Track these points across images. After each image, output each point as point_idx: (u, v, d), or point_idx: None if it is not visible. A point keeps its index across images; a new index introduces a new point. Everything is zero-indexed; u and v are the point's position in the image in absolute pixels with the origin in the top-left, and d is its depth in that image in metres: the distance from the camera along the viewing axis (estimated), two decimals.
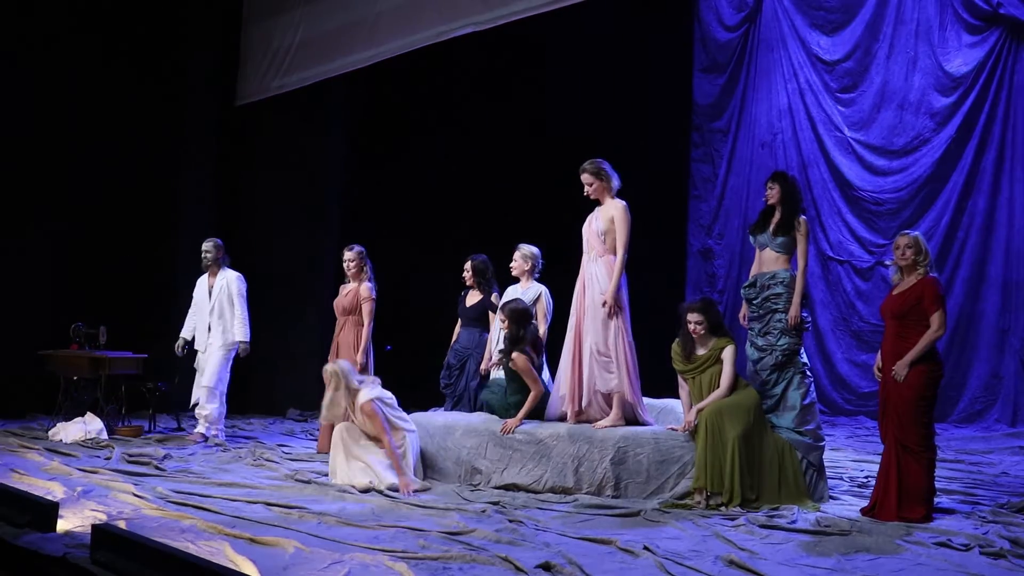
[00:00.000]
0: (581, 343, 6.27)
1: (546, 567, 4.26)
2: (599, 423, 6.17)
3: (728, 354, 5.98)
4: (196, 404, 8.47)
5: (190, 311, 8.68)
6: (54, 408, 8.65)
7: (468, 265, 7.64)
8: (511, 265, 7.41)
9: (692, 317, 6.04)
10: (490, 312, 7.49)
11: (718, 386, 5.97)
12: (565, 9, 8.04)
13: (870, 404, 10.53)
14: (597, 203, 6.42)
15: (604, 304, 6.13)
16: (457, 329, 7.67)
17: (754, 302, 6.26)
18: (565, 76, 11.66)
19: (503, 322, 6.65)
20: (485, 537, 4.84)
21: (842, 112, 11.29)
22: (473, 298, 7.63)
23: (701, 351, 6.06)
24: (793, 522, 5.29)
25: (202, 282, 8.67)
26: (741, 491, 5.68)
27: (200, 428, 8.35)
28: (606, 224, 6.28)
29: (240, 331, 8.40)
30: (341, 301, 8.03)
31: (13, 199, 9.73)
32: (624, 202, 6.31)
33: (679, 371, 6.18)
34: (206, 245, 8.58)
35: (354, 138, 11.61)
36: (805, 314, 6.17)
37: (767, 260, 6.27)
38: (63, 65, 9.99)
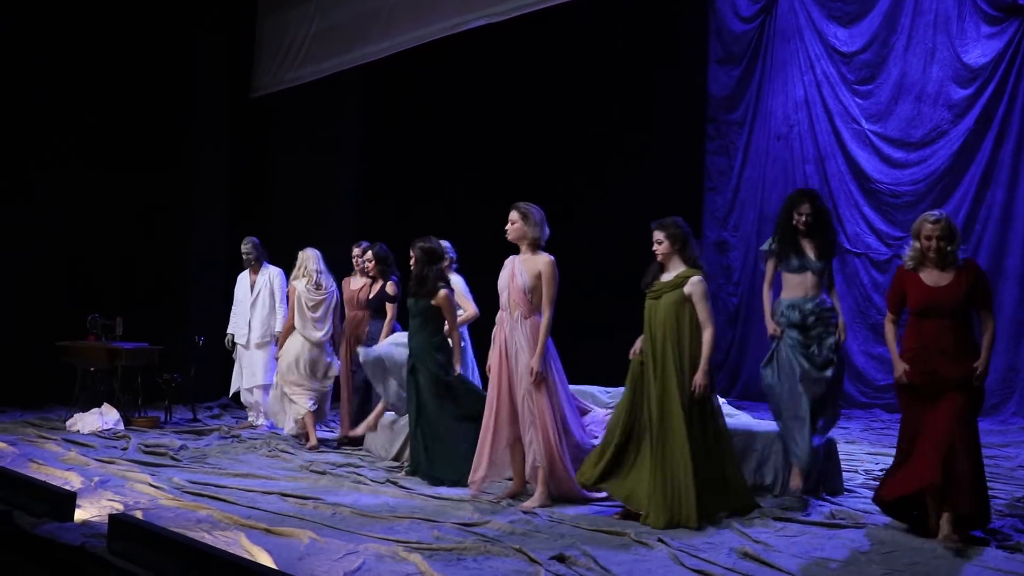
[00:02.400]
0: (511, 405, 5.65)
1: (560, 558, 4.27)
2: (525, 504, 5.42)
3: (695, 288, 5.15)
4: (236, 394, 8.90)
5: (233, 308, 8.88)
6: (71, 399, 8.71)
7: (369, 254, 7.77)
8: None
9: (654, 236, 5.26)
10: (387, 303, 7.67)
11: (672, 323, 5.13)
12: (580, 0, 8.01)
13: (886, 397, 10.47)
14: (518, 249, 5.73)
15: (532, 372, 5.49)
16: None
17: (804, 329, 5.60)
18: (579, 67, 11.62)
19: (411, 259, 6.49)
20: (499, 529, 4.85)
21: (859, 104, 11.20)
22: (376, 288, 7.84)
23: (665, 277, 5.29)
24: (808, 515, 5.27)
25: (243, 279, 8.85)
26: (698, 511, 4.98)
27: (261, 420, 8.64)
28: (532, 280, 5.57)
29: (279, 324, 8.55)
30: (357, 295, 8.01)
31: (30, 191, 9.78)
32: (552, 257, 5.62)
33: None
34: (245, 246, 8.78)
35: (369, 129, 11.61)
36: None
37: (808, 284, 5.62)
38: (75, 59, 10.01)
